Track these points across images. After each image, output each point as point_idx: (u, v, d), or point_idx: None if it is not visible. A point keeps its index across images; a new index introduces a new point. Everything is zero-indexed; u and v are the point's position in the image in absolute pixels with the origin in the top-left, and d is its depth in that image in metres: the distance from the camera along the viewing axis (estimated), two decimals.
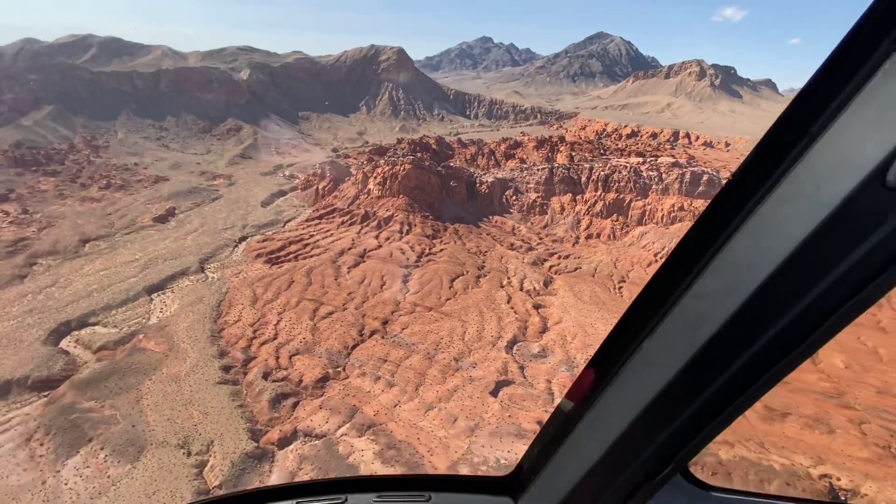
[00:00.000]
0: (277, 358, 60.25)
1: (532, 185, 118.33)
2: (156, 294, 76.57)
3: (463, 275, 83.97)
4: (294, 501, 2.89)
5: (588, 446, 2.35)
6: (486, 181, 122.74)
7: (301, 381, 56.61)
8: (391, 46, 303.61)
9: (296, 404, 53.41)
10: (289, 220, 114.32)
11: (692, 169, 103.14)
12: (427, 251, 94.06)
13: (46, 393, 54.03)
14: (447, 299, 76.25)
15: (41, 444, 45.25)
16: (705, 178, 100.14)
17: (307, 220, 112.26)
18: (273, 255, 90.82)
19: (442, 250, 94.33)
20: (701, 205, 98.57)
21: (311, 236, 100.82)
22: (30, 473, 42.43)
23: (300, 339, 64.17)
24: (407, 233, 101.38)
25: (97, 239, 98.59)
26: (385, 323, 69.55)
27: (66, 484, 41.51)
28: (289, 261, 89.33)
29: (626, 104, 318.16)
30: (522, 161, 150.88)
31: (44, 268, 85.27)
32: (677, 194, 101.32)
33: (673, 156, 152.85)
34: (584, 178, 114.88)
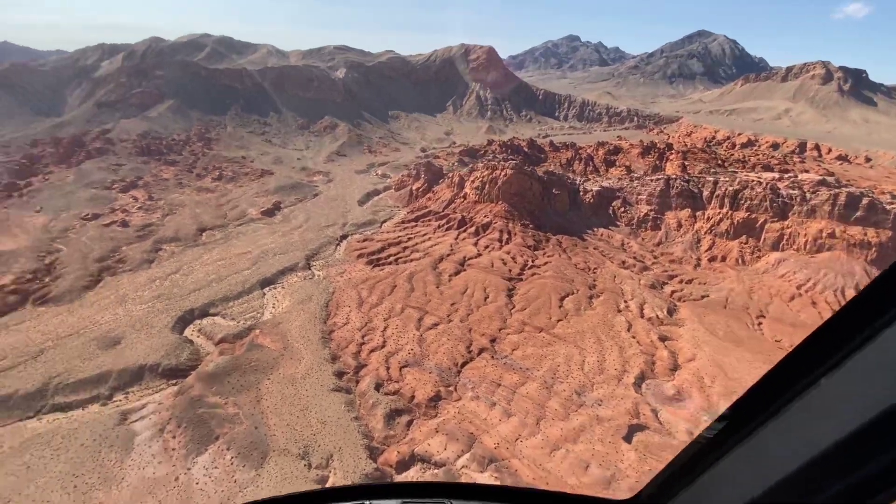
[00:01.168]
0: (388, 368, 58.23)
1: (644, 197, 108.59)
2: (268, 288, 78.39)
3: (573, 293, 77.70)
4: None
5: (741, 481, 2.20)
6: (591, 190, 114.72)
7: (413, 397, 53.99)
8: (481, 45, 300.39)
9: (410, 423, 50.78)
10: (385, 221, 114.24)
11: (847, 190, 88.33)
12: (530, 263, 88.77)
13: (174, 382, 55.92)
14: (558, 320, 70.55)
15: (173, 437, 46.14)
16: (865, 201, 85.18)
17: (403, 222, 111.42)
18: (374, 257, 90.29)
19: (546, 263, 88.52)
20: (858, 233, 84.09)
21: (409, 239, 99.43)
22: (164, 467, 43.12)
23: (408, 349, 61.82)
24: (507, 242, 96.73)
25: (213, 229, 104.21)
26: (493, 341, 65.42)
27: (196, 483, 41.60)
28: (389, 263, 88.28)
29: (735, 109, 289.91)
30: (628, 169, 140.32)
31: (168, 254, 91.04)
32: (826, 218, 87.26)
33: (807, 170, 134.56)
34: (706, 193, 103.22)
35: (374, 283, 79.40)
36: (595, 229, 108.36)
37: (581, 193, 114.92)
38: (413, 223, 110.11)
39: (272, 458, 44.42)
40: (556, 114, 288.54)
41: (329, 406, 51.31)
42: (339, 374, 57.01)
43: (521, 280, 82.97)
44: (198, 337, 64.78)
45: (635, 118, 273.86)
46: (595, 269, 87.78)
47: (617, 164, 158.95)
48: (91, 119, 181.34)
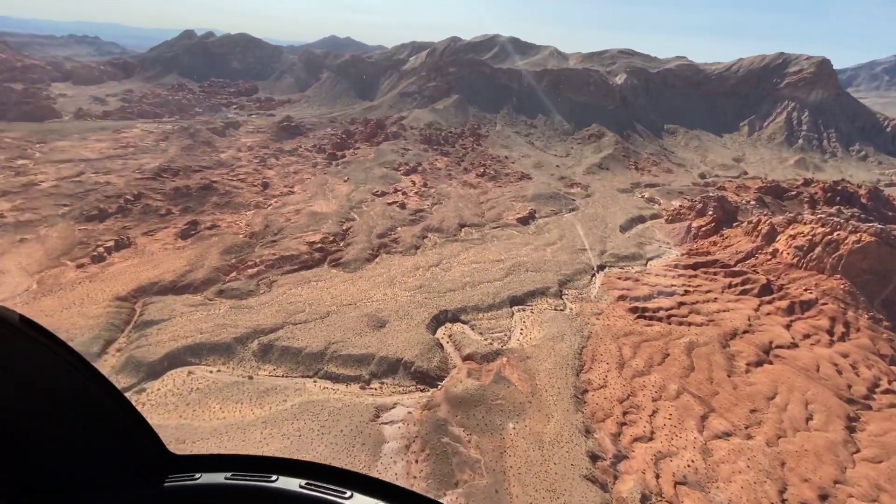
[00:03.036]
0: (657, 476, 44.14)
1: None
2: (517, 308, 72.70)
3: None
4: (230, 474, 2.88)
5: None
6: None
7: None
8: (808, 56, 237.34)
9: None
10: (652, 259, 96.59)
11: None
12: (884, 383, 59.42)
13: (423, 387, 54.40)
14: None
15: (416, 461, 43.10)
16: None
17: (676, 267, 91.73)
18: (639, 305, 75.20)
19: None
20: None
21: (686, 293, 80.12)
22: None
23: (687, 459, 46.13)
24: (843, 337, 67.86)
25: (471, 226, 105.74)
26: (824, 499, 43.66)
27: None
28: (660, 320, 71.90)
29: None
30: None
31: (431, 243, 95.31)
32: None
33: None
34: None
35: (640, 342, 64.91)
36: None
37: None
38: (691, 271, 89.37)
39: None
40: None
41: (580, 500, 40.81)
42: (593, 458, 45.83)
43: (870, 409, 55.61)
44: (447, 342, 63.04)
45: None
46: None
47: None
48: (393, 105, 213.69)
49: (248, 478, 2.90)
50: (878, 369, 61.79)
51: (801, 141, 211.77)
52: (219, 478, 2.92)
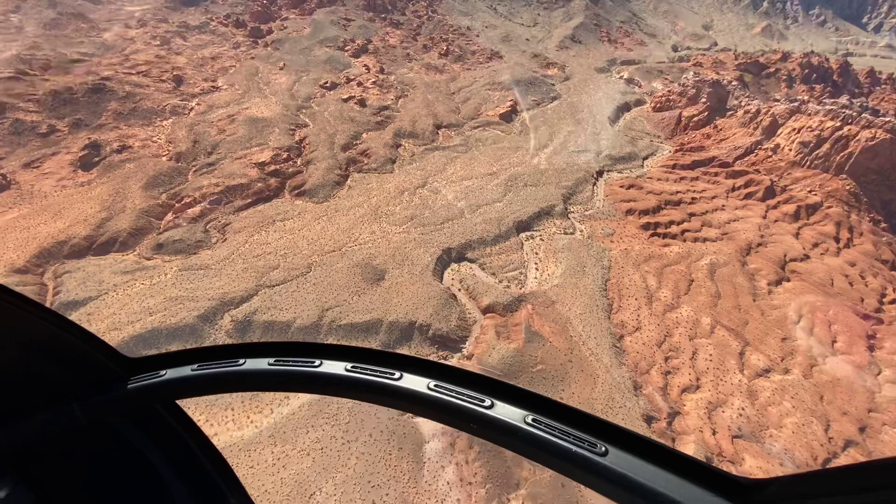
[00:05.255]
0: (714, 432, 41.96)
1: None
2: (524, 235, 64.06)
3: None
4: (196, 365, 2.88)
5: None
6: None
7: None
8: None
9: None
10: (647, 157, 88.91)
11: None
12: (889, 292, 60.15)
13: (445, 353, 46.87)
14: None
15: (466, 462, 37.13)
16: None
17: (675, 167, 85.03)
18: (650, 220, 69.15)
19: None
20: None
21: (693, 200, 74.76)
22: None
23: (737, 407, 44.16)
24: (847, 244, 67.05)
25: (448, 127, 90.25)
26: (862, 430, 44.21)
27: None
28: (674, 237, 66.85)
29: None
30: None
31: (408, 153, 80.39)
32: None
33: None
34: None
35: (662, 268, 60.03)
36: None
37: None
38: (690, 171, 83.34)
39: None
40: (865, 20, 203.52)
41: None
42: (649, 419, 42.45)
43: (881, 322, 56.31)
44: (459, 291, 54.33)
45: None
46: None
47: None
48: None
49: (215, 365, 2.84)
50: (882, 277, 62.23)
51: (765, 3, 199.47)
52: (185, 371, 2.86)
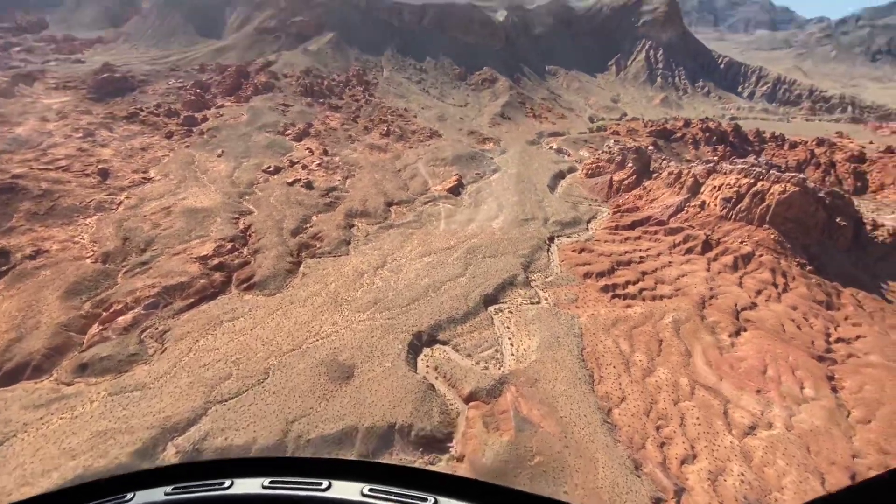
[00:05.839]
0: None
1: None
2: (493, 309, 62.60)
3: None
4: (170, 488, 2.55)
5: None
6: (885, 225, 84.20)
7: None
8: None
9: None
10: (590, 220, 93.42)
11: None
12: (834, 333, 64.39)
13: (432, 456, 42.23)
14: None
15: None
16: None
17: (616, 229, 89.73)
18: (607, 283, 70.86)
19: (859, 338, 63.70)
20: None
21: (642, 259, 78.21)
22: None
23: (737, 474, 42.94)
24: (785, 289, 72.17)
25: (399, 204, 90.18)
26: (852, 478, 44.44)
27: None
28: (633, 298, 68.51)
29: None
30: None
31: (362, 233, 78.36)
32: None
33: None
34: None
35: (630, 330, 60.49)
36: (889, 283, 79.36)
37: (870, 227, 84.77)
38: (632, 231, 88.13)
39: None
40: (740, 89, 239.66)
41: None
42: (657, 502, 39.86)
43: (836, 363, 59.46)
44: (437, 379, 50.67)
45: (849, 108, 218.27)
46: None
47: (869, 178, 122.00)
48: (251, 46, 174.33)
49: (193, 488, 2.55)
50: (822, 318, 66.83)
51: (659, 79, 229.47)
52: (158, 494, 2.60)
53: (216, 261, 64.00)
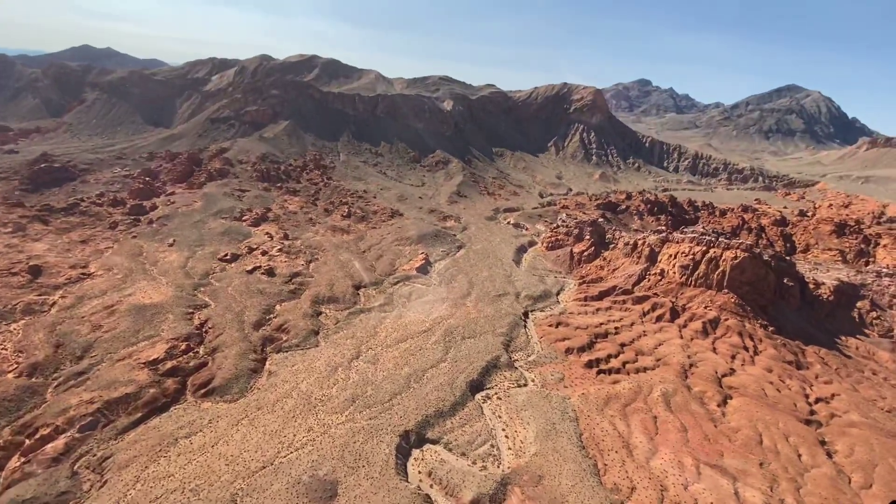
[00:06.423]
0: None
1: None
2: (480, 396, 58.77)
3: None
4: None
5: None
6: (826, 283, 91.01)
7: None
8: (586, 86, 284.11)
9: None
10: (559, 292, 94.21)
11: None
12: (812, 395, 65.65)
13: None
14: None
15: None
16: None
17: (585, 300, 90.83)
18: (590, 357, 69.70)
19: (835, 396, 65.29)
20: None
21: (617, 330, 78.47)
22: None
23: None
24: (755, 352, 74.10)
25: (367, 286, 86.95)
26: None
27: None
28: (618, 372, 67.39)
29: (870, 177, 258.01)
30: (842, 254, 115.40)
31: (332, 321, 73.66)
32: None
33: None
34: None
35: (623, 408, 58.45)
36: (841, 338, 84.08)
37: (814, 287, 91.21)
38: (600, 301, 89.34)
39: None
40: (666, 164, 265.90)
41: None
42: None
43: (821, 425, 59.86)
44: (432, 487, 45.10)
45: (759, 177, 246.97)
46: None
47: (795, 240, 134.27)
48: (203, 134, 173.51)
49: None
50: (796, 378, 68.40)
51: (595, 157, 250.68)
52: None
53: (168, 365, 56.74)
